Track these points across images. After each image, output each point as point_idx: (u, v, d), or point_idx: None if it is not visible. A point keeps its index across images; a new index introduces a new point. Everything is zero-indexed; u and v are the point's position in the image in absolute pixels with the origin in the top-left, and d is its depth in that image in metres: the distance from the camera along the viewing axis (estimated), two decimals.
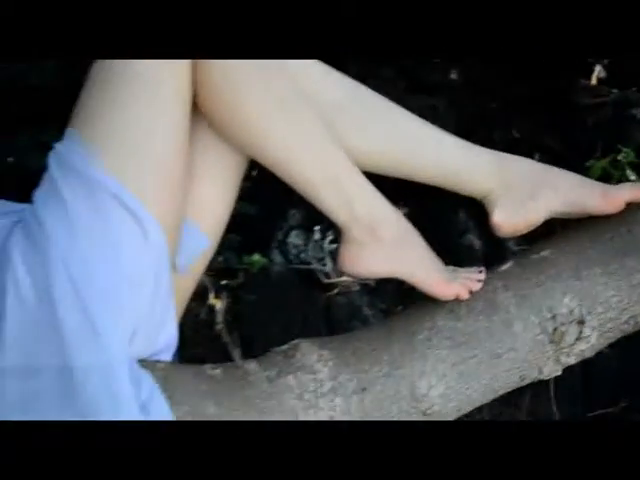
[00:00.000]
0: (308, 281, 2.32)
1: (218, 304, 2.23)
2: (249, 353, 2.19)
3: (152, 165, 1.25)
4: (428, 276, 1.36)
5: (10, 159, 1.83)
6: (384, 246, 1.35)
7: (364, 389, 1.32)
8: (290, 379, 1.31)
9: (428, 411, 1.34)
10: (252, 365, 1.35)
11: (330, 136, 1.33)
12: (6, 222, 1.28)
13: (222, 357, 2.12)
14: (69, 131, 1.27)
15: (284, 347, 1.37)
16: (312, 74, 1.39)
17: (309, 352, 1.34)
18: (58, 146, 1.27)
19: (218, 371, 1.33)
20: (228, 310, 2.23)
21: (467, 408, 1.38)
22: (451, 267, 1.40)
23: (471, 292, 1.36)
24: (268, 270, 2.28)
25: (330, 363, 1.33)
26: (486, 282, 1.37)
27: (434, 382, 1.33)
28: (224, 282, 2.25)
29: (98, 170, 1.22)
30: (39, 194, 1.27)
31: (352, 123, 1.39)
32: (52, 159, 1.27)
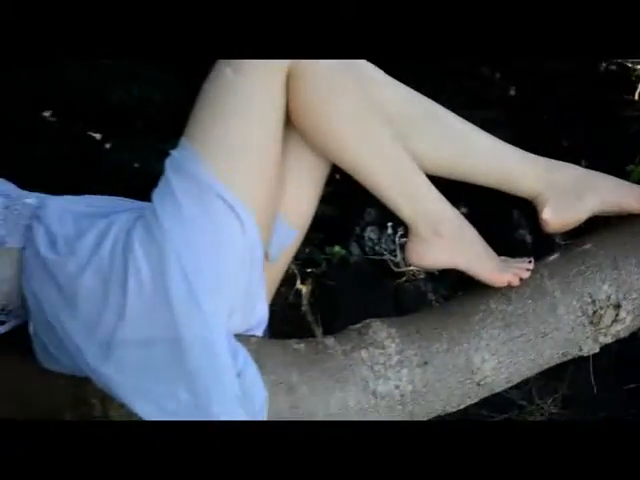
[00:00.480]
0: (380, 270, 2.31)
1: (304, 289, 2.25)
2: (329, 330, 2.21)
3: (250, 170, 1.26)
4: (483, 266, 1.36)
5: (136, 165, 1.87)
6: (445, 241, 1.35)
7: (426, 362, 1.32)
8: (363, 353, 1.32)
9: (481, 382, 1.34)
10: (330, 340, 1.35)
11: (398, 143, 1.33)
12: (130, 217, 1.30)
13: (306, 334, 2.14)
14: (183, 140, 1.29)
15: (358, 325, 1.38)
16: (381, 85, 1.39)
17: (379, 330, 1.35)
18: (174, 153, 1.29)
19: (302, 345, 1.34)
20: (312, 294, 2.25)
21: (515, 380, 1.38)
22: (503, 257, 1.39)
23: (521, 279, 1.35)
24: (347, 260, 2.28)
25: (397, 340, 1.33)
26: (534, 271, 1.36)
27: (487, 357, 1.33)
28: (309, 270, 2.27)
29: (206, 174, 1.24)
30: (157, 194, 1.29)
31: (418, 131, 1.39)
32: (168, 164, 1.29)
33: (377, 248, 2.33)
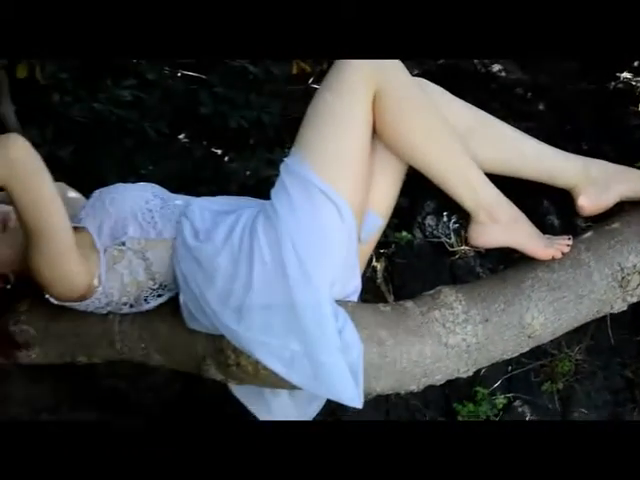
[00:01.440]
0: (438, 250, 2.29)
1: (378, 266, 2.23)
2: (398, 298, 2.19)
3: (347, 170, 1.24)
4: (533, 244, 1.31)
5: (248, 172, 1.86)
6: (501, 225, 1.30)
7: (487, 320, 1.28)
8: (436, 313, 1.29)
9: (531, 335, 1.30)
10: (410, 304, 1.33)
11: (464, 149, 1.29)
12: (253, 211, 1.30)
13: (381, 301, 2.12)
14: (293, 150, 1.28)
15: (431, 291, 1.35)
16: (445, 101, 1.35)
17: (449, 295, 1.31)
18: (287, 160, 1.29)
19: (388, 308, 1.33)
20: (385, 270, 2.23)
21: (559, 333, 1.33)
22: (547, 236, 1.35)
23: (563, 253, 1.30)
24: (412, 242, 2.26)
25: (463, 302, 1.30)
26: (573, 246, 1.31)
27: (536, 315, 1.28)
28: (382, 251, 2.25)
29: (312, 176, 1.23)
30: (274, 192, 1.29)
31: (477, 138, 1.34)
32: (283, 168, 1.28)
33: (435, 232, 2.31)
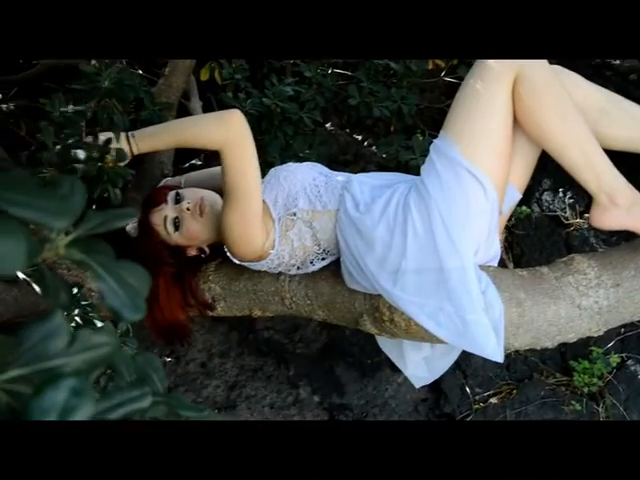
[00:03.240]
0: (554, 222, 2.21)
1: (500, 237, 2.19)
2: (518, 265, 2.15)
3: (492, 150, 1.23)
4: None
5: (384, 155, 1.86)
6: (622, 209, 1.24)
7: (618, 284, 1.25)
8: (570, 278, 1.26)
9: None
10: (545, 269, 1.31)
11: (592, 134, 1.23)
12: (406, 186, 1.32)
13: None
14: (442, 132, 1.28)
15: (564, 259, 1.32)
16: (577, 85, 1.30)
17: (581, 262, 1.28)
18: (436, 141, 1.29)
19: (524, 272, 1.31)
20: (506, 239, 2.18)
21: None
22: None
23: None
24: (530, 216, 2.20)
25: (595, 268, 1.26)
26: None
27: None
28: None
29: (459, 155, 1.23)
30: (424, 170, 1.29)
31: (608, 119, 1.30)
32: (433, 149, 1.29)
33: (551, 207, 2.23)
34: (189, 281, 1.45)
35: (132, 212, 0.49)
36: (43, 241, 0.46)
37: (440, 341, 1.27)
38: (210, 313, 1.52)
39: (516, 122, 1.26)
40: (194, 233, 1.40)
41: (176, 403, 0.52)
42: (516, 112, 1.25)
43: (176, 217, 1.39)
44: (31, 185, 0.42)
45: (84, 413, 0.40)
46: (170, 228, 1.39)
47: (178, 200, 1.40)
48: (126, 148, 1.28)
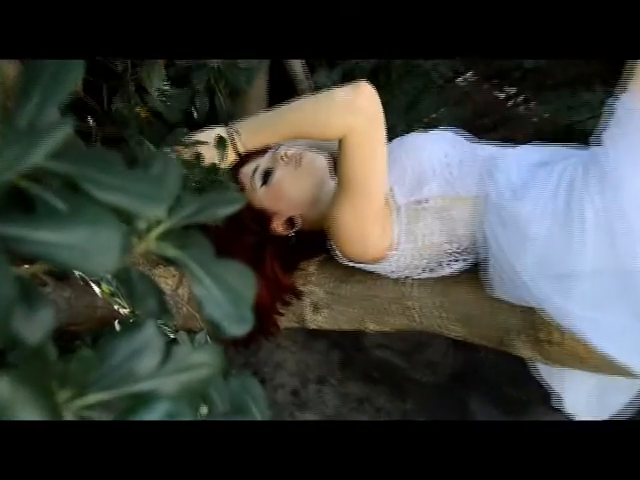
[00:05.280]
0: None
1: None
2: None
3: None
4: None
5: (545, 115, 1.82)
6: None
7: None
8: None
9: None
10: None
11: None
12: (576, 162, 1.29)
13: None
14: (632, 86, 1.24)
15: None
16: None
17: None
18: (623, 98, 1.24)
19: None
20: None
21: None
22: None
23: None
24: None
25: None
26: None
27: None
28: None
29: None
30: (607, 137, 1.25)
31: None
32: (620, 108, 1.24)
33: None
34: (271, 257, 1.47)
35: (239, 197, 0.51)
36: (131, 233, 0.48)
37: (621, 371, 1.24)
38: (309, 325, 1.54)
39: None
40: (284, 187, 1.43)
41: None
42: None
43: (269, 168, 1.43)
44: (119, 164, 0.44)
45: None
46: (257, 180, 1.43)
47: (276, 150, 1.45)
48: (230, 148, 1.34)
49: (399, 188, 1.39)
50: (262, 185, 1.43)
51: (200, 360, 0.47)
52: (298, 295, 1.52)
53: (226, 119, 1.44)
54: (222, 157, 1.29)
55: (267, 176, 1.43)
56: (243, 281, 0.51)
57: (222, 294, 0.48)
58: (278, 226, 1.48)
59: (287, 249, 1.51)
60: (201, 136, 1.35)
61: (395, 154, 1.41)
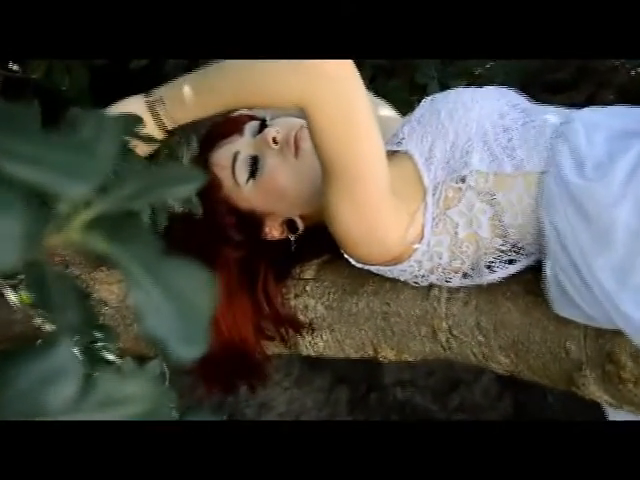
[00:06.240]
0: None
1: None
2: None
3: None
4: None
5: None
6: None
7: None
8: None
9: None
10: None
11: None
12: None
13: None
14: None
15: None
16: None
17: None
18: None
19: None
20: None
21: None
22: None
23: None
24: None
25: None
26: None
27: None
28: None
29: None
30: None
31: None
32: None
33: None
34: (264, 277, 1.49)
35: (198, 175, 0.51)
36: (45, 218, 0.48)
37: None
38: (303, 350, 1.55)
39: None
40: (280, 181, 1.46)
41: None
42: None
43: (254, 156, 1.46)
44: (32, 124, 0.44)
45: None
46: (241, 173, 1.46)
47: (261, 131, 1.47)
48: (151, 125, 1.32)
49: (434, 159, 1.40)
50: (249, 179, 1.46)
51: (132, 392, 0.48)
52: (298, 328, 1.53)
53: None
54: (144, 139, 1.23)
55: (253, 168, 1.46)
56: (198, 287, 0.50)
57: (168, 302, 0.48)
58: (272, 230, 1.51)
59: (284, 260, 1.54)
60: (114, 110, 1.32)
61: (430, 114, 1.43)
